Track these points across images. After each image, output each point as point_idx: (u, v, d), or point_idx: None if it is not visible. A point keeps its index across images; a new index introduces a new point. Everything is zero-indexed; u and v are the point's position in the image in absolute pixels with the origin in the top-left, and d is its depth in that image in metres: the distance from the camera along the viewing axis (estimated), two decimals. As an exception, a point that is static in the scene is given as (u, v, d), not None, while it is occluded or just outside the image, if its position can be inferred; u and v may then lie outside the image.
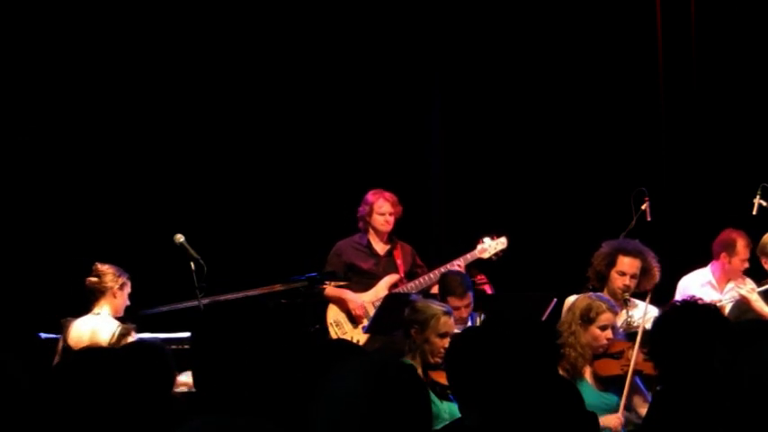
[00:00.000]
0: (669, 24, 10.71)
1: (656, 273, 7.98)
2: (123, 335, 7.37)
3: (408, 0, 11.06)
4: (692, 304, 4.24)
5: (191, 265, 8.11)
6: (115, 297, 7.76)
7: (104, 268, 7.81)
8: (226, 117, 10.85)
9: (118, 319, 7.79)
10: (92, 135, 10.52)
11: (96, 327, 7.60)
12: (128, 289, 7.87)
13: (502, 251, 9.17)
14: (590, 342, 6.89)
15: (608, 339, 6.90)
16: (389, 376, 2.69)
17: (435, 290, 8.80)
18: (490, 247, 9.16)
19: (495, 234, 9.21)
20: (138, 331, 7.96)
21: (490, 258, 9.06)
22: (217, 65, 10.78)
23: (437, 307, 6.98)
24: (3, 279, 9.75)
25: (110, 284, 7.75)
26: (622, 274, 7.91)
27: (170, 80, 10.65)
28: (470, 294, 8.22)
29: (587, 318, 6.94)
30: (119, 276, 7.80)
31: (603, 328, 6.91)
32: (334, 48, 10.94)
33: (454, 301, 8.06)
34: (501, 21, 11.02)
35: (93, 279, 7.76)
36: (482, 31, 11.04)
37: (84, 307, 7.83)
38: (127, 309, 8.06)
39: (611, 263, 7.96)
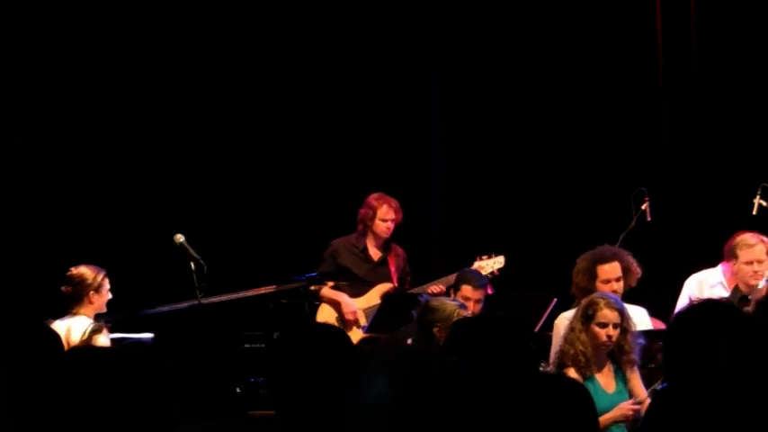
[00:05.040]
0: (669, 24, 10.70)
1: (636, 268, 8.02)
2: (95, 331, 7.35)
3: (408, 0, 11.06)
4: (714, 302, 4.21)
5: (191, 265, 8.10)
6: (92, 302, 7.75)
7: (78, 273, 7.77)
8: (225, 117, 10.85)
9: (100, 314, 7.77)
10: (91, 135, 10.52)
11: (69, 326, 7.61)
12: (107, 285, 7.83)
13: (499, 270, 9.16)
14: (591, 340, 6.88)
15: (609, 337, 6.87)
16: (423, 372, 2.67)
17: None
18: (487, 265, 9.15)
19: (493, 253, 9.21)
20: (138, 331, 7.96)
21: (487, 276, 9.06)
22: (216, 65, 10.78)
23: (451, 302, 7.17)
24: (2, 279, 9.76)
25: (84, 291, 7.73)
26: (607, 281, 7.91)
27: (170, 80, 10.65)
28: (483, 292, 8.24)
29: (587, 315, 6.94)
30: (95, 278, 7.77)
31: (602, 326, 6.89)
32: (334, 48, 10.93)
33: (467, 291, 8.11)
34: (500, 20, 11.01)
35: (69, 288, 7.75)
36: (481, 30, 11.03)
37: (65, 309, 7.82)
38: (127, 309, 8.06)
39: (593, 275, 7.96)
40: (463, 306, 7.21)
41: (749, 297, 8.02)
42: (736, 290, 8.26)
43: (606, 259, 7.99)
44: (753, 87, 10.59)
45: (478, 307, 8.14)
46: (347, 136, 10.95)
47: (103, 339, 7.28)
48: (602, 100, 10.86)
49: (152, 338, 7.64)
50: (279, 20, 10.89)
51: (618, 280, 7.91)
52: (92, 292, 7.73)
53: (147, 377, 3.98)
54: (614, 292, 7.80)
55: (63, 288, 7.76)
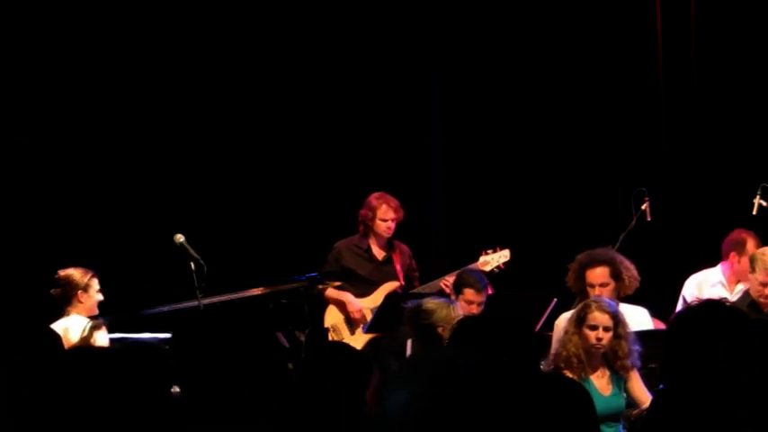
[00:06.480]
0: (669, 24, 10.70)
1: (628, 276, 7.95)
2: (94, 328, 7.39)
3: (408, 0, 11.06)
4: (714, 303, 4.20)
5: (191, 265, 8.11)
6: (81, 302, 7.82)
7: (66, 274, 7.85)
8: (225, 117, 10.85)
9: (91, 317, 7.81)
10: (91, 135, 10.52)
11: (67, 326, 7.65)
12: (95, 286, 7.90)
13: (504, 263, 9.16)
14: (583, 342, 6.90)
15: (598, 339, 6.88)
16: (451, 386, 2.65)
17: None
18: (492, 259, 9.15)
19: (498, 246, 9.21)
20: (138, 331, 7.96)
21: (492, 271, 9.06)
22: (217, 65, 10.78)
23: (442, 300, 7.23)
24: (2, 280, 9.76)
25: (72, 291, 7.81)
26: (591, 285, 7.92)
27: (170, 80, 10.65)
28: (485, 295, 8.25)
29: (579, 318, 6.96)
30: (81, 278, 7.84)
31: (593, 328, 6.91)
32: (334, 48, 10.94)
33: (471, 295, 8.12)
34: (500, 21, 11.01)
35: (57, 290, 7.83)
36: (481, 31, 11.04)
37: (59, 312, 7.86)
38: (127, 309, 8.07)
39: (581, 277, 7.98)
40: (451, 301, 7.29)
41: (758, 305, 7.99)
42: (746, 294, 8.20)
43: (593, 264, 7.98)
44: (753, 87, 10.59)
45: (479, 310, 8.15)
46: (347, 136, 10.95)
47: (102, 335, 7.32)
48: (602, 100, 10.86)
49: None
50: (279, 20, 10.89)
51: (602, 285, 7.89)
52: (80, 292, 7.82)
53: (147, 377, 3.99)
54: (598, 296, 7.77)
55: (52, 291, 7.84)
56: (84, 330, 7.37)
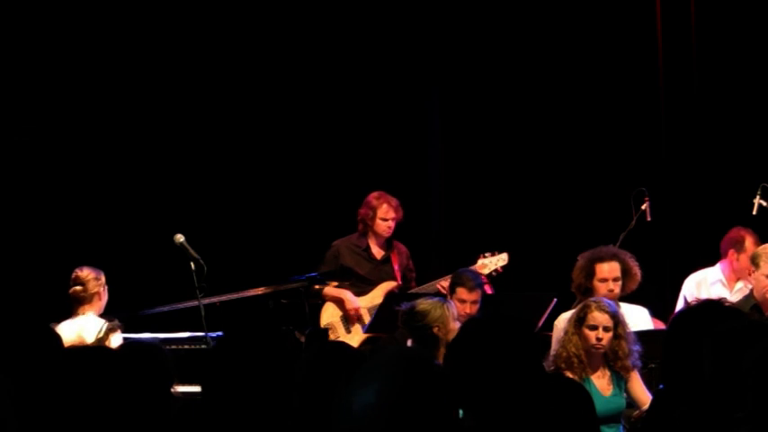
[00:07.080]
0: (669, 24, 10.70)
1: (637, 272, 7.96)
2: (111, 330, 7.40)
3: (407, 4, 11.06)
4: (716, 303, 4.19)
5: (191, 265, 8.11)
6: (100, 299, 7.84)
7: (85, 274, 7.85)
8: (225, 117, 10.85)
9: (100, 316, 7.81)
10: (91, 135, 10.53)
11: (82, 327, 7.65)
12: (106, 286, 7.92)
13: (502, 267, 9.16)
14: (582, 343, 6.89)
15: (598, 339, 6.87)
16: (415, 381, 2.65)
17: None
18: (490, 263, 9.15)
19: (496, 250, 9.21)
20: (138, 331, 7.97)
21: (490, 274, 9.05)
22: (217, 65, 10.78)
23: (436, 300, 7.24)
24: (2, 280, 9.77)
25: (94, 289, 7.81)
26: (604, 280, 7.87)
27: (170, 80, 10.66)
28: (479, 293, 8.24)
29: (579, 318, 6.95)
30: (99, 278, 7.86)
31: (592, 328, 6.90)
32: (334, 48, 10.94)
33: (463, 293, 8.13)
34: (500, 20, 11.01)
35: (78, 288, 7.80)
36: (481, 30, 11.04)
37: (68, 310, 7.84)
38: (127, 309, 8.08)
39: (590, 273, 7.92)
40: (445, 298, 7.30)
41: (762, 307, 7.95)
42: (749, 297, 8.14)
43: (605, 258, 7.95)
44: (753, 87, 10.59)
45: (475, 308, 8.14)
46: (348, 136, 10.95)
47: (117, 338, 7.34)
48: (602, 101, 10.86)
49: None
50: (280, 22, 10.89)
51: (615, 280, 7.87)
52: (101, 290, 7.82)
53: (147, 377, 3.99)
54: (610, 291, 7.77)
55: (72, 289, 7.79)
56: (100, 332, 7.39)
